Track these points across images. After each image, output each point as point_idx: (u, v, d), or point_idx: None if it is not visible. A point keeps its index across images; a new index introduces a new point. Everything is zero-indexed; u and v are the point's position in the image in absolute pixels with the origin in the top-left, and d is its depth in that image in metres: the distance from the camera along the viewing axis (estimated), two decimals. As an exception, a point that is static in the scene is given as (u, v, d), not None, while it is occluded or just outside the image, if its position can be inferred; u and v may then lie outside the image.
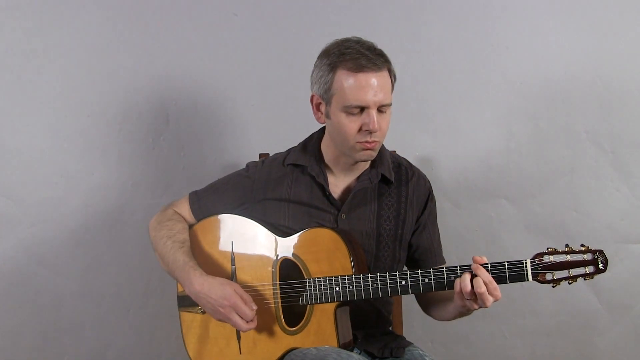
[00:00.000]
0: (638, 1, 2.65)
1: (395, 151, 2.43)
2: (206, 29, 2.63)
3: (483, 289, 1.78)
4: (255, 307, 1.92)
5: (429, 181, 2.16)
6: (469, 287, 1.79)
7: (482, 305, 1.80)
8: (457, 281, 1.81)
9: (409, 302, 2.47)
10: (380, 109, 1.92)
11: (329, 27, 2.62)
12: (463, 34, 2.67)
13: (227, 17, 2.64)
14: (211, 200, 2.12)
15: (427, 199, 2.13)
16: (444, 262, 2.15)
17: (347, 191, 2.06)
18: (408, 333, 2.38)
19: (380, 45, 1.98)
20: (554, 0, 2.66)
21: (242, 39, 2.64)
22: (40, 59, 2.55)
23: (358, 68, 1.89)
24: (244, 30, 2.64)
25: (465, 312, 1.89)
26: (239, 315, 1.91)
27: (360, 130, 1.92)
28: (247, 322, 1.92)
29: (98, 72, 2.58)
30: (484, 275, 1.79)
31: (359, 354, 2.01)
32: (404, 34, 2.67)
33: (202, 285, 1.93)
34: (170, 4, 2.62)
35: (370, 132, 1.91)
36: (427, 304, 2.11)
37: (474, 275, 1.80)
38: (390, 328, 2.20)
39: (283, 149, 2.16)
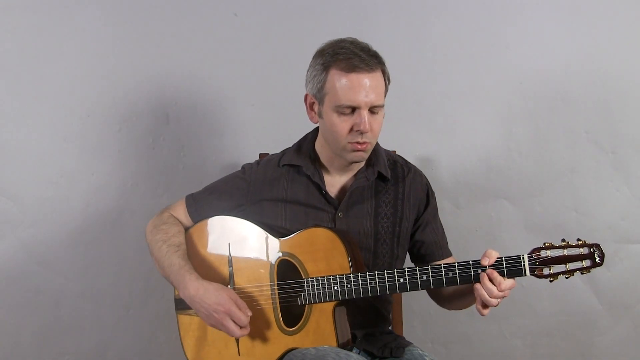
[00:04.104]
0: (638, 1, 2.64)
1: (395, 151, 2.43)
2: (206, 29, 2.63)
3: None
4: (250, 313, 1.92)
5: (425, 177, 2.16)
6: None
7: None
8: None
9: (408, 302, 2.48)
10: (372, 110, 1.92)
11: (328, 26, 2.62)
12: (463, 34, 2.67)
13: (227, 17, 2.64)
14: (208, 202, 2.12)
15: (428, 196, 2.13)
16: (450, 254, 2.15)
17: (343, 190, 2.06)
18: (408, 333, 2.38)
19: (379, 45, 1.98)
20: (554, 0, 2.66)
21: (242, 39, 2.65)
22: (40, 59, 2.56)
23: (350, 68, 1.89)
24: (244, 30, 2.65)
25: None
26: (233, 321, 1.90)
27: (351, 130, 1.92)
28: (241, 328, 1.91)
29: (98, 72, 2.59)
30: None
31: (359, 353, 2.01)
32: (404, 34, 2.67)
33: (197, 289, 1.92)
34: (170, 4, 2.62)
35: (361, 133, 1.91)
36: (436, 294, 2.12)
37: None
38: (389, 328, 2.19)
39: (283, 149, 2.17)
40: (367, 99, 1.90)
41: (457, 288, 1.99)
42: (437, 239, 2.14)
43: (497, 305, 1.84)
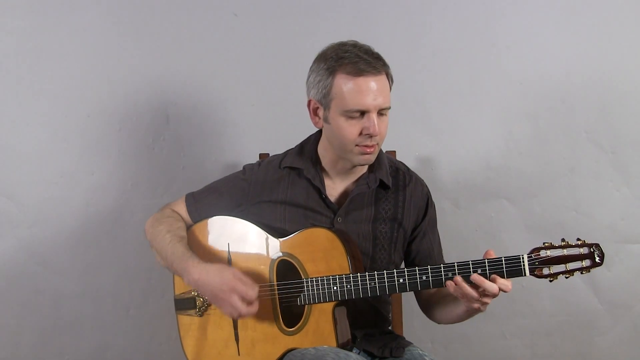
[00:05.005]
0: (638, 1, 2.64)
1: (395, 152, 2.43)
2: (206, 29, 2.63)
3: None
4: (257, 288, 1.89)
5: (426, 186, 2.15)
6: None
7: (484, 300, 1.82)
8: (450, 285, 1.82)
9: (409, 302, 2.47)
10: (380, 112, 1.92)
11: (329, 27, 2.62)
12: (463, 34, 2.67)
13: (227, 17, 2.64)
14: (208, 202, 2.12)
15: (427, 205, 2.12)
16: None
17: (344, 195, 2.06)
18: (408, 333, 2.38)
19: (380, 45, 1.98)
20: (554, 0, 2.66)
21: (242, 39, 2.65)
22: (40, 59, 2.56)
23: (357, 72, 1.88)
24: (244, 30, 2.64)
25: (472, 312, 1.89)
26: (240, 301, 1.87)
27: (360, 134, 1.91)
28: (248, 305, 1.88)
29: (98, 72, 2.59)
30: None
31: (358, 353, 2.01)
32: (404, 34, 2.67)
33: (201, 273, 1.91)
34: (170, 4, 2.62)
35: (370, 136, 1.91)
36: (429, 306, 2.10)
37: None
38: (389, 328, 2.19)
39: (283, 150, 2.16)
40: (375, 102, 1.89)
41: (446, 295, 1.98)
42: (433, 251, 2.13)
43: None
